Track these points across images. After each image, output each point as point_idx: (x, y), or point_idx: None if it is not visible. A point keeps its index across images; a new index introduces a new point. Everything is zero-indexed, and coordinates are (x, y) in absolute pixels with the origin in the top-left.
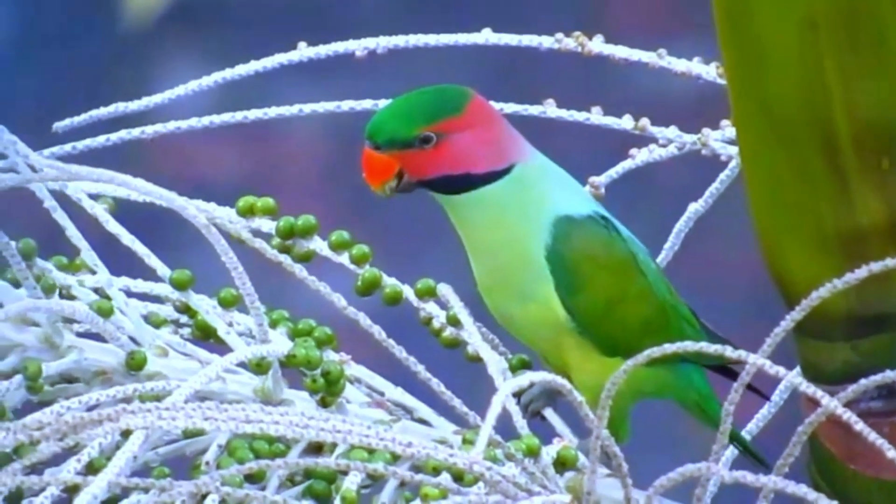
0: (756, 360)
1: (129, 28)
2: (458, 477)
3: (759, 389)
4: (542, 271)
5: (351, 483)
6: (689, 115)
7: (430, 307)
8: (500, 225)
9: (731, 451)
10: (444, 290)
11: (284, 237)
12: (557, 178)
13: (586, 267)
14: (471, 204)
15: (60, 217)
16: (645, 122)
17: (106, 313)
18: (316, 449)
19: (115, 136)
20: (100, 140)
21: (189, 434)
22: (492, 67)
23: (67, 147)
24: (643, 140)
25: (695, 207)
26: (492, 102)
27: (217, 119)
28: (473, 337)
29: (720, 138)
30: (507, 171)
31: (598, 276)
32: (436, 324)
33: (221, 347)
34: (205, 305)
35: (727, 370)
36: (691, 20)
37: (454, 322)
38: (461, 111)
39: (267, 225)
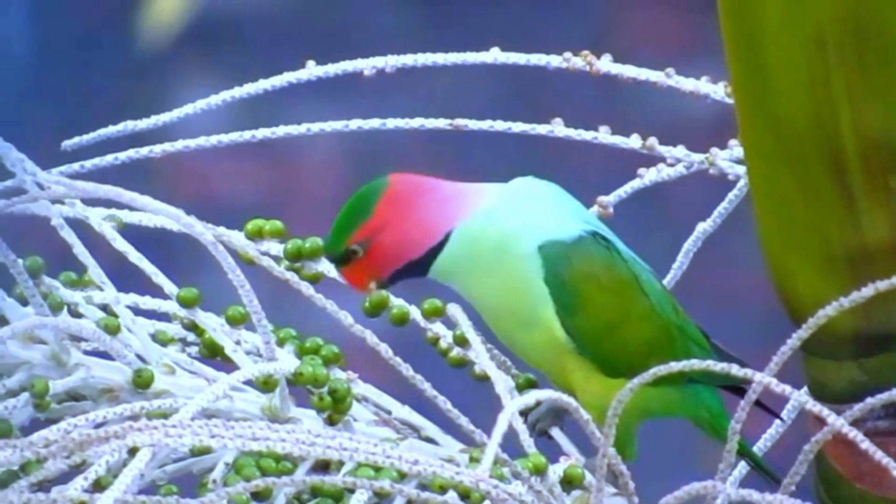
0: (762, 379)
1: (145, 48)
2: (465, 495)
3: (772, 409)
4: (543, 295)
5: (357, 501)
6: (708, 135)
7: (437, 327)
8: (482, 275)
9: (740, 470)
10: (453, 309)
11: (292, 259)
12: (534, 205)
13: (585, 287)
14: (440, 275)
15: (67, 234)
16: (653, 141)
17: (113, 331)
18: (323, 467)
19: (123, 155)
20: (108, 159)
21: (196, 452)
22: (507, 87)
23: (76, 166)
24: (655, 160)
25: (703, 227)
26: (500, 122)
27: (226, 138)
28: (481, 356)
29: (728, 157)
30: (447, 238)
31: (597, 295)
32: (443, 344)
33: (228, 365)
34: (212, 323)
35: (743, 391)
36: (706, 39)
37: (461, 342)
38: (370, 214)
39: (275, 248)
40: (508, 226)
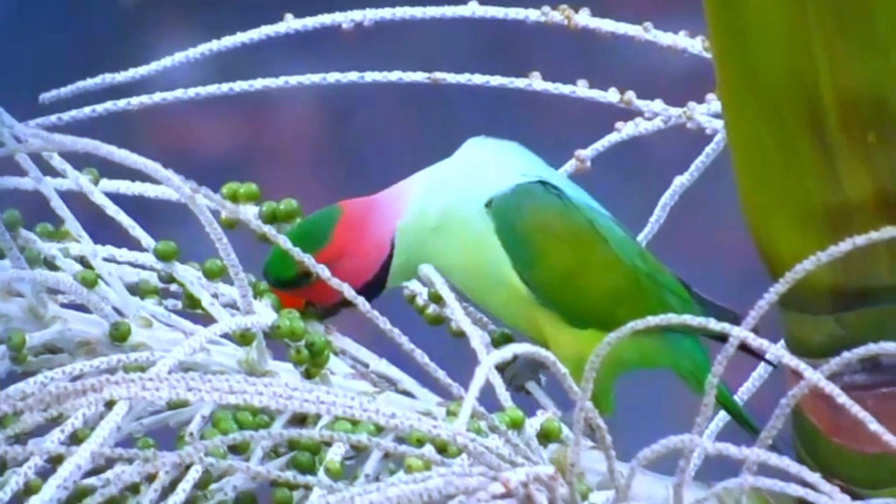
0: (739, 333)
1: (124, 2)
2: (442, 449)
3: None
4: (498, 250)
5: (335, 454)
6: (686, 89)
7: (414, 284)
8: (440, 258)
9: (717, 423)
10: (426, 269)
11: (268, 221)
12: (465, 174)
13: (537, 235)
14: (401, 278)
15: (45, 188)
16: (630, 95)
17: (90, 284)
18: (300, 420)
19: (100, 108)
20: (85, 111)
21: (173, 405)
22: (485, 40)
23: (53, 118)
24: (632, 113)
25: (680, 181)
26: (479, 76)
27: (203, 90)
28: (456, 313)
29: (706, 112)
30: (393, 245)
31: (551, 243)
32: (420, 301)
33: (206, 319)
34: (189, 276)
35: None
36: None
37: (437, 299)
38: (328, 240)
39: (251, 210)
40: (446, 200)
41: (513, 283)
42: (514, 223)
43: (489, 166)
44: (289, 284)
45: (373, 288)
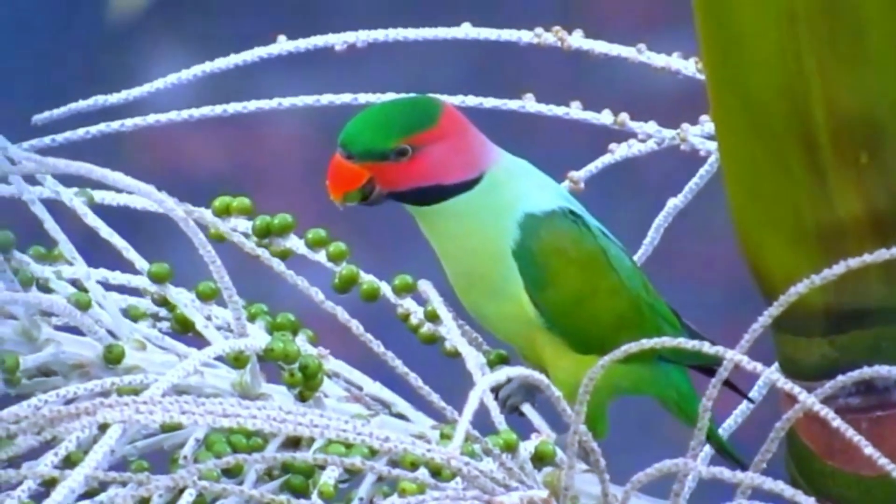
0: (734, 356)
1: (115, 20)
2: (436, 472)
3: (740, 388)
4: (512, 269)
5: (328, 477)
6: (679, 110)
7: (408, 303)
8: (470, 232)
9: (709, 448)
10: (424, 285)
11: (261, 236)
12: (525, 177)
13: (552, 262)
14: (442, 214)
15: (39, 210)
16: (624, 116)
17: (84, 306)
18: (293, 443)
19: (94, 129)
20: (79, 133)
21: (167, 428)
22: (478, 61)
23: (46, 140)
24: (626, 135)
25: (674, 202)
26: (472, 97)
27: (196, 112)
28: (452, 332)
29: (699, 133)
30: (477, 180)
31: (565, 270)
32: (413, 320)
33: (199, 341)
34: (183, 299)
35: (712, 371)
36: (678, 14)
37: (432, 318)
38: (435, 123)
39: (243, 224)
40: (511, 191)
41: (521, 301)
42: (532, 245)
43: (534, 182)
44: (374, 156)
45: (422, 196)
